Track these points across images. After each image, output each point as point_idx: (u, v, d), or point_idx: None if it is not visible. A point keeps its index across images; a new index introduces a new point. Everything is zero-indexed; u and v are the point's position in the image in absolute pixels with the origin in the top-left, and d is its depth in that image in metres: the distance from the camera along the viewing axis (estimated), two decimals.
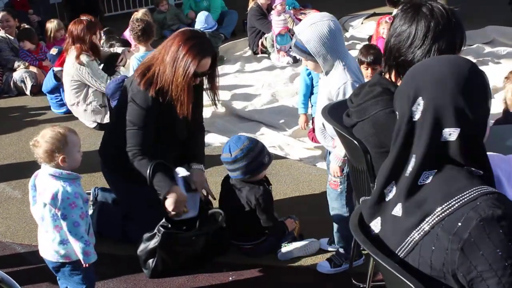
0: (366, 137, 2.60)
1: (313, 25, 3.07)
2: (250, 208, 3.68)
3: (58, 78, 6.47)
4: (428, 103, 1.73)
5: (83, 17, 6.16)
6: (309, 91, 5.40)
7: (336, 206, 3.52)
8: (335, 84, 3.13)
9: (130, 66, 5.78)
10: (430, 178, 1.72)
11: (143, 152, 3.61)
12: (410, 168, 1.76)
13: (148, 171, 3.51)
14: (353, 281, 3.43)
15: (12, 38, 7.76)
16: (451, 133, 1.70)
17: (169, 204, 3.45)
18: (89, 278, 3.08)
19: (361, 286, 3.33)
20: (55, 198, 2.87)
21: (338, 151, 3.19)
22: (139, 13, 7.08)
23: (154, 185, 3.53)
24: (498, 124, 4.08)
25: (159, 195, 3.53)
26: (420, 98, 1.75)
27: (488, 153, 1.80)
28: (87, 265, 2.93)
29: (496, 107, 5.55)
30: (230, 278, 3.62)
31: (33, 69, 7.41)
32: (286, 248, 3.75)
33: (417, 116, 1.76)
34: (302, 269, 3.67)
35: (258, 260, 3.69)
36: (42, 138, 2.90)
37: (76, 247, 2.90)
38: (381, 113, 2.40)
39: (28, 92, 7.29)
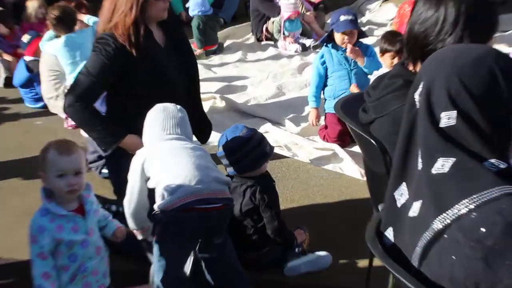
0: (385, 136, 2.62)
1: None
2: (253, 207, 3.68)
3: (31, 69, 6.49)
4: (424, 86, 1.79)
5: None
6: (323, 82, 5.46)
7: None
8: None
9: None
10: (447, 167, 1.72)
11: (86, 102, 3.52)
12: (420, 160, 1.78)
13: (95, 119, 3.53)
14: None
15: None
16: (449, 117, 1.73)
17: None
18: None
19: None
20: None
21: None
22: None
23: (100, 130, 3.53)
24: None
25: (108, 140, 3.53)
26: (422, 83, 1.81)
27: None
28: None
29: None
30: None
31: (7, 57, 7.44)
32: (293, 262, 3.75)
33: (417, 103, 1.81)
34: (311, 285, 3.67)
35: (261, 275, 3.69)
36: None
37: None
38: (402, 109, 2.40)
39: (1, 84, 7.31)
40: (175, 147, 3.17)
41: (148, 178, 3.11)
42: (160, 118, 3.23)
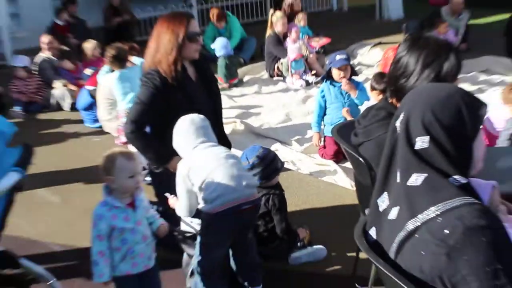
0: (370, 156, 2.62)
1: None
2: (267, 211, 3.70)
3: (93, 96, 6.57)
4: (404, 116, 1.80)
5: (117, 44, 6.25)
6: (323, 112, 5.44)
7: None
8: None
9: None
10: (420, 181, 1.73)
11: (139, 128, 3.52)
12: (398, 174, 1.80)
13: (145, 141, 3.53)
14: (356, 285, 3.44)
15: (55, 59, 7.88)
16: (423, 141, 1.74)
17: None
18: None
19: None
20: None
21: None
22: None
23: (154, 153, 3.53)
24: None
25: (159, 162, 3.52)
26: (402, 113, 1.81)
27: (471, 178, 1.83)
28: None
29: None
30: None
31: (71, 87, 7.51)
32: (296, 254, 3.76)
33: (398, 130, 1.81)
34: (310, 272, 3.68)
35: (270, 263, 3.69)
36: (103, 155, 2.90)
37: None
38: (384, 136, 2.44)
39: (66, 108, 7.39)
40: (212, 158, 3.08)
41: (192, 184, 3.07)
42: (191, 129, 3.14)
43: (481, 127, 1.78)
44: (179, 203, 3.13)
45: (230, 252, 3.33)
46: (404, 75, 2.41)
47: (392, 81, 2.49)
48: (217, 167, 3.02)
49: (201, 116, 3.22)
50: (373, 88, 5.01)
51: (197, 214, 3.16)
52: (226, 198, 2.98)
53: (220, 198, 2.98)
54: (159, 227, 3.04)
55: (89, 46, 7.81)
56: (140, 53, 6.73)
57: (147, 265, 2.95)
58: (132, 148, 3.82)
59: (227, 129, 5.89)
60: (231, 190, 2.99)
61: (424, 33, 2.49)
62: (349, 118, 5.17)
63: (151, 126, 3.75)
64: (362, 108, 5.16)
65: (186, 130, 3.15)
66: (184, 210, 3.12)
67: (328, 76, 5.44)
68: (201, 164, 3.05)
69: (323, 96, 5.40)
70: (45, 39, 8.03)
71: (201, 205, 3.07)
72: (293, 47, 7.84)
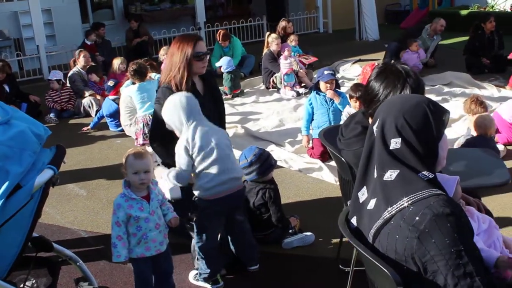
0: (350, 161, 2.69)
1: None
2: (263, 202, 3.68)
3: (117, 104, 6.56)
4: (379, 121, 1.79)
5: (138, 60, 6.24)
6: (311, 117, 5.45)
7: None
8: None
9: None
10: (394, 176, 1.73)
11: (155, 139, 3.54)
12: (375, 171, 1.79)
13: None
14: (340, 266, 3.43)
15: (83, 72, 7.88)
16: (396, 142, 1.74)
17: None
18: (138, 275, 2.95)
19: (346, 269, 3.32)
20: None
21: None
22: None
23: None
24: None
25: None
26: (379, 119, 1.81)
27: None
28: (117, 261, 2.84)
29: (452, 134, 5.56)
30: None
31: (98, 97, 7.50)
32: (288, 239, 3.74)
33: (375, 133, 1.81)
34: (300, 255, 3.66)
35: (266, 248, 3.68)
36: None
37: None
38: (360, 150, 2.42)
39: (93, 114, 7.36)
40: (211, 149, 3.07)
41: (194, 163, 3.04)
42: (181, 108, 3.10)
43: (444, 130, 1.78)
44: (178, 173, 3.03)
45: (229, 238, 3.33)
46: (370, 97, 2.40)
47: (364, 101, 2.50)
48: (215, 160, 3.02)
49: (188, 94, 3.16)
50: (351, 97, 5.05)
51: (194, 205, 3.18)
52: (218, 189, 3.04)
53: (214, 188, 3.04)
54: (171, 219, 3.01)
55: (117, 61, 7.80)
56: (157, 69, 6.74)
57: (159, 250, 2.92)
58: (149, 149, 3.79)
59: (230, 133, 5.89)
60: (222, 183, 3.05)
61: (394, 62, 2.43)
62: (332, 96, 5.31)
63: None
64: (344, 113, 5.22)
65: (176, 108, 3.08)
66: (181, 177, 3.02)
67: (316, 87, 5.46)
68: (202, 149, 3.01)
69: (311, 104, 5.41)
70: (84, 53, 8.02)
71: (198, 192, 3.10)
72: (285, 63, 7.84)
